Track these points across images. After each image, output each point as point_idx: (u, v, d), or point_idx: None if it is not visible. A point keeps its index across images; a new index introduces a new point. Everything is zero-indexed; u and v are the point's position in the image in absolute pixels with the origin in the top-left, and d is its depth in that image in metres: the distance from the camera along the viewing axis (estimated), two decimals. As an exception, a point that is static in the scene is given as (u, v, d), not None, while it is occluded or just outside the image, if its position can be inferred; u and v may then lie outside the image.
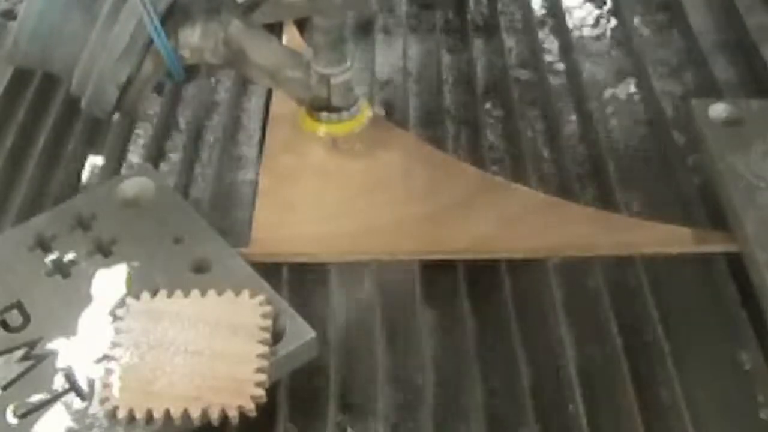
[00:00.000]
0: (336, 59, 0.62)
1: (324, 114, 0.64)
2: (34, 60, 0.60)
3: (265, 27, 0.75)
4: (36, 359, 0.49)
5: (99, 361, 0.48)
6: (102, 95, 0.58)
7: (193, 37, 0.59)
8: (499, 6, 0.82)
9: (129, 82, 0.58)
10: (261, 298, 0.50)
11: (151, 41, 0.57)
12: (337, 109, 0.64)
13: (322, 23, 0.61)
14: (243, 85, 0.74)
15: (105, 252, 0.55)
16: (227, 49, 0.60)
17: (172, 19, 0.58)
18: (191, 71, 0.65)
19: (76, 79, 0.59)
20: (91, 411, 0.47)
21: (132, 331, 0.49)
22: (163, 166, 0.68)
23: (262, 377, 0.47)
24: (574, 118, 0.71)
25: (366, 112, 0.66)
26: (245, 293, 0.50)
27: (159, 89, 0.66)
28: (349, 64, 0.63)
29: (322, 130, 0.65)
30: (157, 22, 0.56)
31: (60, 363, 0.49)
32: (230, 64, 0.63)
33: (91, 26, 0.57)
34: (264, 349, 0.48)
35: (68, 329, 0.50)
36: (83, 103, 0.59)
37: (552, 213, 0.60)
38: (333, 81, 0.62)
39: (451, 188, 0.62)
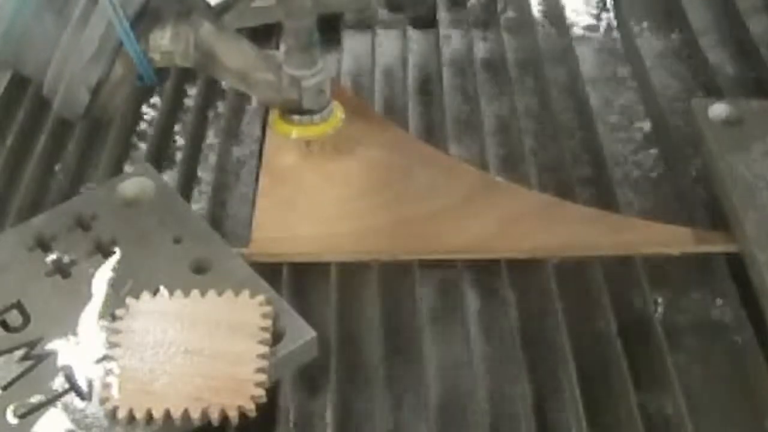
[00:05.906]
0: (307, 62, 0.62)
1: (296, 117, 0.64)
2: (6, 62, 0.60)
3: (266, 29, 0.75)
4: (36, 359, 0.49)
5: (99, 361, 0.48)
6: (73, 98, 0.58)
7: (163, 40, 0.59)
8: (498, 4, 0.82)
9: (100, 84, 0.58)
10: (261, 298, 0.50)
11: (122, 44, 0.57)
12: (308, 112, 0.64)
13: (292, 26, 0.61)
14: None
15: (105, 252, 0.55)
16: (198, 52, 0.60)
17: (142, 22, 0.58)
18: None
19: (47, 81, 0.58)
20: (90, 411, 0.47)
21: (132, 331, 0.49)
22: (163, 167, 0.68)
23: (262, 377, 0.47)
24: (574, 118, 0.71)
25: (338, 115, 0.66)
26: (245, 293, 0.50)
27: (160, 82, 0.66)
28: (320, 66, 0.63)
29: (294, 132, 0.65)
30: (126, 25, 0.56)
31: (60, 363, 0.49)
32: (201, 67, 0.63)
33: (63, 29, 0.57)
34: (264, 349, 0.48)
35: (68, 329, 0.50)
36: (55, 106, 0.59)
37: (552, 213, 0.60)
38: (304, 83, 0.62)
39: (451, 188, 0.62)
